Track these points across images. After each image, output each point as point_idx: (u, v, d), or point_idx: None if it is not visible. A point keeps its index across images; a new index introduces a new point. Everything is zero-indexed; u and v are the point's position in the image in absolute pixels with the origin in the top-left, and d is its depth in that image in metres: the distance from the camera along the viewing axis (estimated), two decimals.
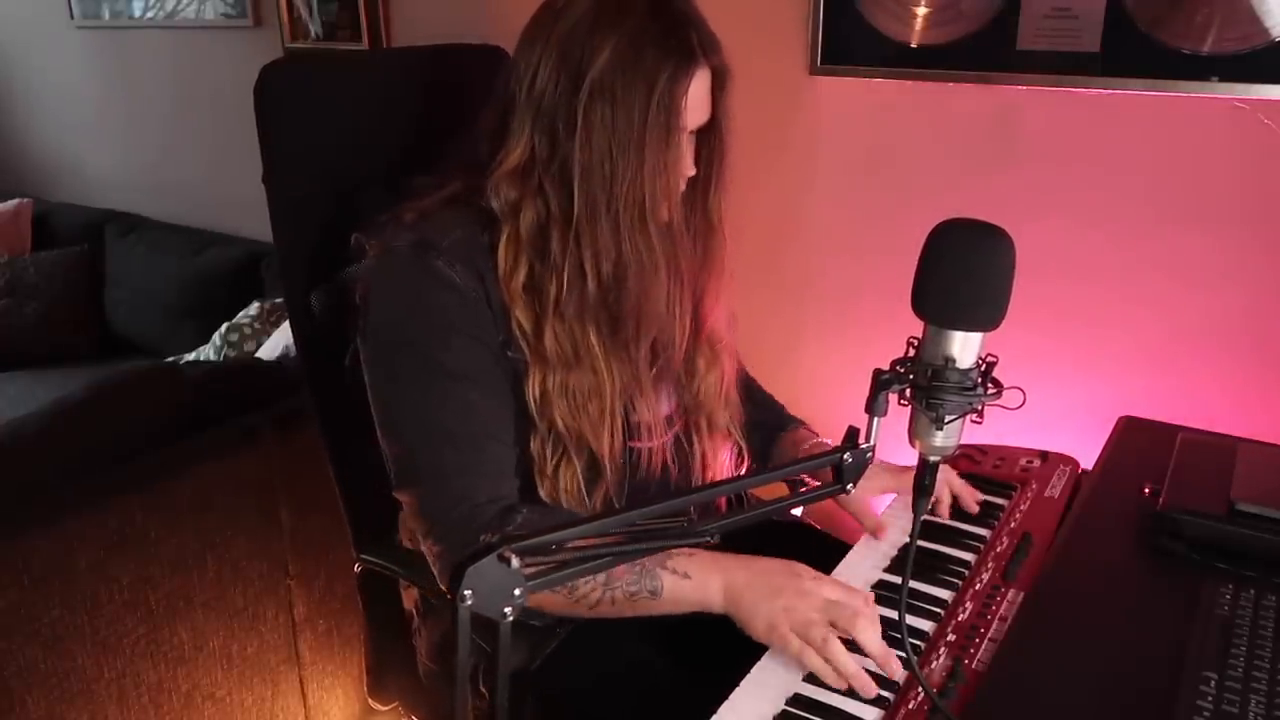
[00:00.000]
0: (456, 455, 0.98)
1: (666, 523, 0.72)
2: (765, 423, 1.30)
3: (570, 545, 0.66)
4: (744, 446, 1.23)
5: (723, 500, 1.15)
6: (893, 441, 0.84)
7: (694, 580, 0.96)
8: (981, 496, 1.19)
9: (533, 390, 1.02)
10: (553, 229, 1.00)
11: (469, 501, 0.97)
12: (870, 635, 0.88)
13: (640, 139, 0.95)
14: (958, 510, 1.18)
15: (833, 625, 0.89)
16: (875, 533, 1.14)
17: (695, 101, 0.98)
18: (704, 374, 1.15)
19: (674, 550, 0.97)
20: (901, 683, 0.88)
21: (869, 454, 0.78)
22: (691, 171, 1.04)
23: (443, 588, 1.01)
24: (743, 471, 1.23)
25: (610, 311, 1.02)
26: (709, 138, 1.05)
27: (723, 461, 1.20)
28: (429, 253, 0.99)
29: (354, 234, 1.08)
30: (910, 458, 0.81)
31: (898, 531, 1.15)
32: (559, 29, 0.96)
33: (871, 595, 0.94)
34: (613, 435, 1.05)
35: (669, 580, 0.96)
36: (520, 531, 0.94)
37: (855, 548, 1.14)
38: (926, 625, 0.97)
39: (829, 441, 1.26)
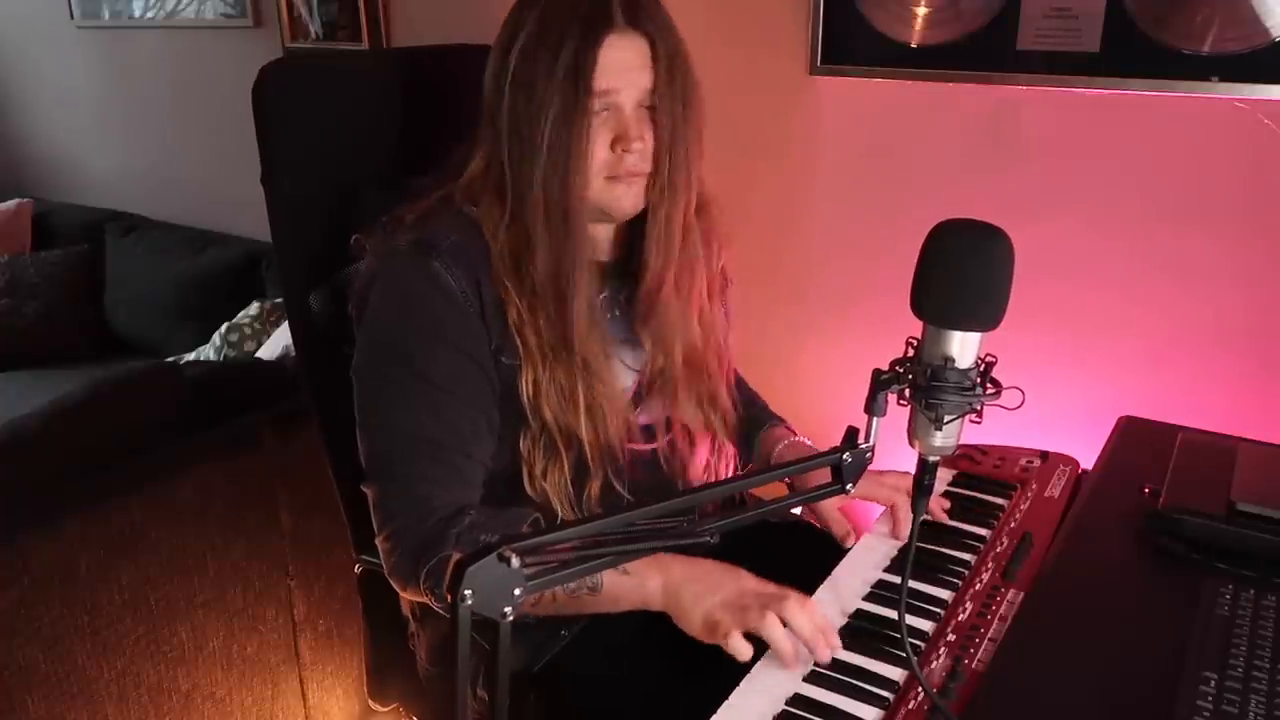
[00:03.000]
0: (423, 463, 0.99)
1: (666, 522, 0.72)
2: (748, 420, 1.29)
3: (569, 546, 0.66)
4: (736, 451, 1.23)
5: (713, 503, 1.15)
6: (892, 441, 0.84)
7: (633, 578, 0.97)
8: (947, 504, 1.17)
9: (526, 387, 1.02)
10: (514, 226, 1.00)
11: (424, 505, 0.98)
12: (799, 618, 0.89)
13: (546, 113, 0.92)
14: (958, 511, 1.18)
15: (765, 610, 0.90)
16: (844, 541, 1.14)
17: (615, 69, 0.93)
18: (670, 348, 1.12)
19: None
20: (901, 682, 0.88)
21: (868, 454, 0.78)
22: (618, 153, 0.97)
23: (392, 583, 1.02)
24: (737, 474, 1.23)
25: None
26: (659, 129, 0.98)
27: (713, 468, 1.19)
28: (428, 254, 0.99)
29: (354, 235, 1.08)
30: (910, 458, 0.81)
31: (890, 537, 1.15)
32: (505, 19, 0.98)
33: (806, 597, 0.94)
34: (602, 429, 1.05)
35: (608, 576, 0.97)
36: (466, 531, 0.95)
37: (855, 548, 1.13)
38: (926, 625, 0.96)
39: (806, 440, 1.26)
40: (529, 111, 0.94)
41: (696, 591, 0.95)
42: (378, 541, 1.01)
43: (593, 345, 1.03)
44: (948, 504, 1.17)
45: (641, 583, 0.97)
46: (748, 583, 0.95)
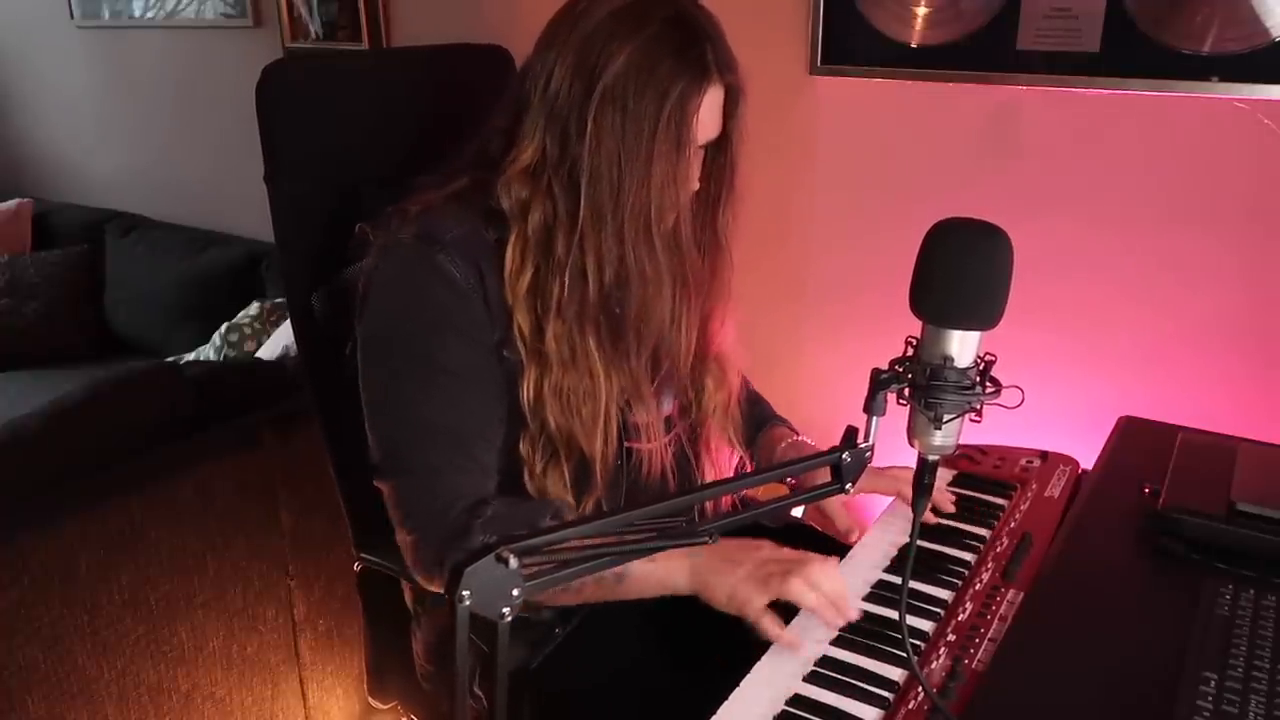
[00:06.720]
0: (439, 451, 0.99)
1: (666, 522, 0.72)
2: (752, 419, 1.30)
3: (569, 545, 0.66)
4: (745, 458, 1.24)
5: (725, 501, 1.15)
6: (892, 441, 0.84)
7: (659, 562, 0.98)
8: (953, 497, 1.19)
9: (527, 390, 1.02)
10: (558, 231, 1.00)
11: (445, 496, 0.98)
12: (823, 581, 0.92)
13: (649, 150, 0.95)
14: (958, 511, 1.18)
15: (789, 574, 0.93)
16: (846, 536, 1.15)
17: (707, 117, 0.98)
18: (713, 392, 1.16)
19: None
20: (901, 682, 0.88)
21: (868, 454, 0.78)
22: (697, 186, 1.04)
23: (416, 578, 1.02)
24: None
25: (610, 318, 1.02)
26: (718, 154, 1.05)
27: (724, 473, 1.20)
28: (432, 246, 0.99)
29: (358, 224, 1.08)
30: (909, 458, 0.81)
31: (894, 532, 1.15)
32: (577, 32, 0.96)
33: (826, 559, 0.96)
34: (605, 440, 1.04)
35: (635, 563, 0.97)
36: (490, 523, 0.96)
37: (855, 548, 1.13)
38: (926, 625, 0.96)
39: (808, 440, 1.27)
40: (626, 140, 0.95)
41: (720, 569, 0.97)
42: (398, 536, 1.01)
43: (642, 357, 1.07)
44: (953, 495, 1.18)
45: (667, 566, 0.98)
46: (765, 553, 0.98)
